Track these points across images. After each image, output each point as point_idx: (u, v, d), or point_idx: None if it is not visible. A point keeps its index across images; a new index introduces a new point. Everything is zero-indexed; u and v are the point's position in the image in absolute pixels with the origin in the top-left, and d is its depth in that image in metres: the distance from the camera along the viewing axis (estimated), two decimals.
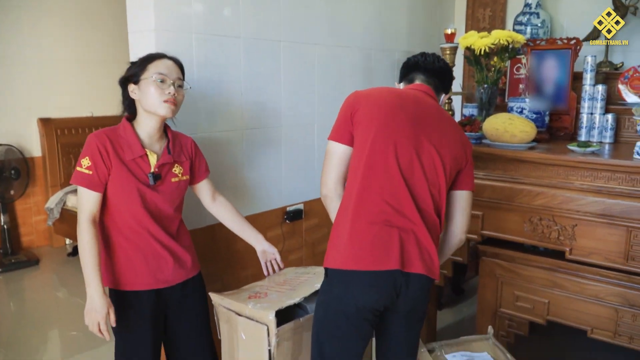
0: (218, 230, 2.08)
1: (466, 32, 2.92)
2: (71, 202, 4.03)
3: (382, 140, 1.47)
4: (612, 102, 2.48)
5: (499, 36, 2.36)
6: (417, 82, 1.66)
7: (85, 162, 1.50)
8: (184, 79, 1.62)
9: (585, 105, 2.40)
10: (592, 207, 1.94)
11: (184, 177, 1.68)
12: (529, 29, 2.96)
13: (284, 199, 2.45)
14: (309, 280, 1.85)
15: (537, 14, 2.98)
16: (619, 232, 1.90)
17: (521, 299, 2.21)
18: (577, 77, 2.49)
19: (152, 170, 1.58)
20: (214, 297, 1.81)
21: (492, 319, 2.30)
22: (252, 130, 2.25)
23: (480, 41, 2.38)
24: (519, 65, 2.64)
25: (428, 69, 1.66)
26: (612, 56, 2.83)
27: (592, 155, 1.99)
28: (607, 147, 2.26)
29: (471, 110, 2.68)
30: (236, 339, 1.75)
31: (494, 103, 2.55)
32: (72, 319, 3.14)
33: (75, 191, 3.80)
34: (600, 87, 2.37)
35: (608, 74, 2.63)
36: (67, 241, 4.38)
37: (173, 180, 1.64)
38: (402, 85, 1.70)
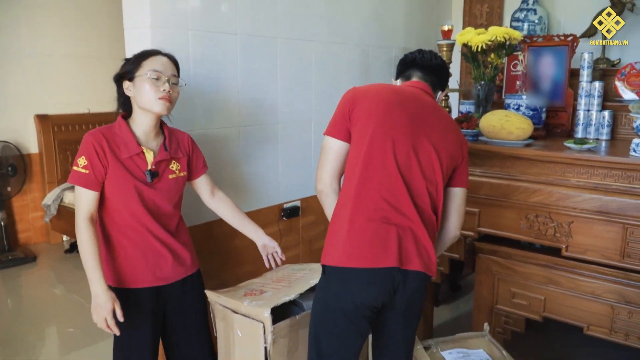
0: (216, 227, 2.08)
1: (463, 28, 2.92)
2: (68, 198, 4.02)
3: (380, 137, 1.47)
4: (609, 99, 2.48)
5: (496, 33, 2.35)
6: (414, 79, 1.66)
7: (82, 161, 1.50)
8: (179, 76, 1.62)
9: (582, 102, 2.40)
10: (588, 204, 1.94)
11: (182, 174, 1.68)
12: (526, 26, 2.96)
13: (281, 196, 2.45)
14: (304, 277, 1.85)
15: (535, 10, 2.97)
16: (615, 229, 1.91)
17: (517, 296, 2.21)
18: (574, 74, 2.49)
19: (149, 167, 1.57)
20: (210, 294, 1.81)
21: (489, 316, 2.30)
22: (249, 127, 2.24)
23: (477, 38, 2.37)
24: (516, 62, 2.63)
25: (425, 66, 1.65)
26: (609, 53, 2.83)
27: (589, 152, 1.99)
28: (603, 144, 2.26)
29: (468, 107, 2.68)
30: (232, 336, 1.75)
31: (491, 100, 2.55)
32: (69, 316, 3.13)
33: (72, 188, 3.79)
34: (597, 84, 2.37)
35: (605, 70, 2.63)
36: (65, 238, 4.38)
37: (170, 177, 1.63)
38: (398, 82, 1.70)
